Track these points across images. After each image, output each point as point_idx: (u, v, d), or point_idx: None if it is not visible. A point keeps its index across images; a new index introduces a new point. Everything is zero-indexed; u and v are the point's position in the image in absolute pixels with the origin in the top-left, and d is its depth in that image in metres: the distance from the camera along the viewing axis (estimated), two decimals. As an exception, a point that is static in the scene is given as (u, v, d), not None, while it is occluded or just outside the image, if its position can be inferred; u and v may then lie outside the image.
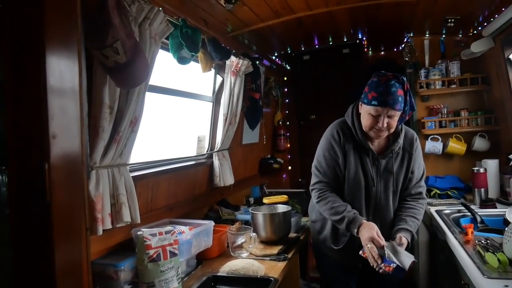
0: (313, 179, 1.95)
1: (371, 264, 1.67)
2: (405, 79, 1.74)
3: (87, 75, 1.27)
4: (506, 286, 1.28)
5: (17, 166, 0.70)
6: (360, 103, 1.82)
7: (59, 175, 0.74)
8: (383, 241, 1.66)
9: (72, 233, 0.82)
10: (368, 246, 1.66)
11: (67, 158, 0.78)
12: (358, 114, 1.85)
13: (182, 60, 2.10)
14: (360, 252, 1.72)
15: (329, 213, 1.83)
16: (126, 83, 1.53)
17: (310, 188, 1.96)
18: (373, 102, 1.70)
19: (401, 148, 1.87)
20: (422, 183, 1.95)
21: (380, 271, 1.63)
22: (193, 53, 2.09)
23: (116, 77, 1.48)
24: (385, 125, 1.71)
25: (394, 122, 1.74)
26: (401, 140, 1.86)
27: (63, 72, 0.76)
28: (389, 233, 1.79)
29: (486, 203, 2.44)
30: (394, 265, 1.58)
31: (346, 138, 1.86)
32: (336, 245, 1.91)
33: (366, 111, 1.75)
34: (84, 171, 0.84)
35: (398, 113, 1.72)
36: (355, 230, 1.73)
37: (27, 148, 0.70)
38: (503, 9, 2.30)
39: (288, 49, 3.70)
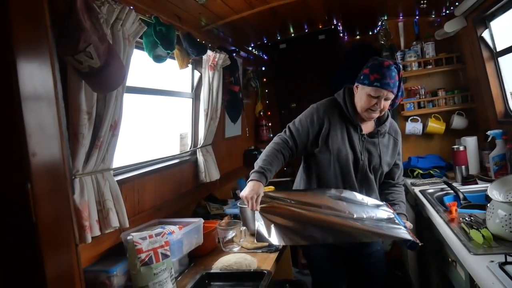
0: (283, 132, 1.99)
1: None
2: (400, 66, 1.84)
3: (62, 83, 1.23)
4: (492, 261, 1.31)
5: (-2, 188, 0.68)
6: (356, 84, 1.88)
7: (43, 193, 0.72)
8: (255, 207, 1.72)
9: (61, 246, 0.81)
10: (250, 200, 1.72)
11: (50, 174, 0.75)
12: (350, 95, 1.92)
13: (158, 59, 2.07)
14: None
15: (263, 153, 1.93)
16: (103, 88, 1.50)
17: (278, 136, 2.00)
18: (375, 84, 1.77)
19: (386, 132, 1.96)
20: None
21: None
22: (169, 51, 2.06)
23: (92, 82, 1.44)
24: (382, 106, 1.81)
25: (387, 105, 1.85)
26: (388, 124, 1.96)
27: (36, 85, 0.73)
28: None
29: (468, 179, 2.50)
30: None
31: (332, 113, 1.92)
32: None
33: (365, 92, 1.81)
34: (68, 184, 0.82)
35: (392, 97, 1.82)
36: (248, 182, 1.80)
37: (7, 168, 0.67)
38: (474, -12, 2.33)
39: (264, 39, 3.68)
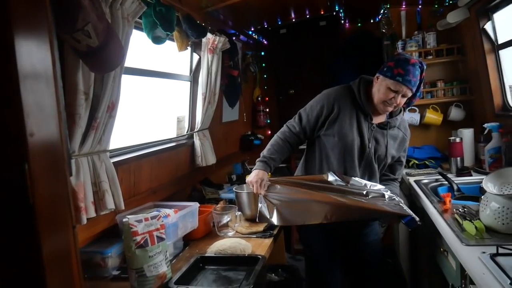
0: (292, 119, 2.05)
1: None
2: (425, 66, 1.86)
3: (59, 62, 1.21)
4: (484, 252, 1.33)
5: (-5, 168, 0.67)
6: (377, 75, 1.88)
7: (40, 174, 0.71)
8: (259, 191, 1.91)
9: (58, 227, 0.80)
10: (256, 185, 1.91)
11: (47, 154, 0.74)
12: (365, 85, 1.94)
13: (157, 40, 2.03)
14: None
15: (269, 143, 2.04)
16: (101, 68, 1.48)
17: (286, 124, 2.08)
18: (397, 78, 1.78)
19: (396, 126, 1.98)
20: None
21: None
22: (168, 32, 2.03)
23: (90, 61, 1.42)
24: (398, 102, 1.83)
25: (403, 102, 1.87)
26: (399, 118, 1.98)
27: (35, 63, 0.71)
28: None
29: (462, 171, 2.52)
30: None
31: (344, 99, 1.94)
32: None
33: (385, 85, 1.82)
34: (66, 165, 0.82)
35: (410, 95, 1.84)
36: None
37: (4, 148, 0.66)
38: (478, -22, 2.30)
39: (265, 23, 3.63)
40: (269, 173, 2.00)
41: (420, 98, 3.05)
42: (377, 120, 1.95)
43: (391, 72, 1.80)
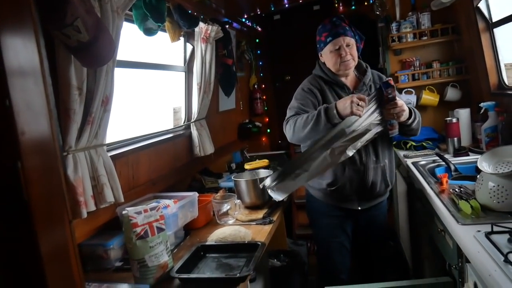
0: (288, 116, 1.99)
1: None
2: (342, 16, 1.97)
3: (50, 58, 1.21)
4: (479, 231, 1.35)
5: (-12, 167, 0.68)
6: (319, 54, 2.01)
7: (34, 171, 0.72)
8: (365, 100, 1.72)
9: (54, 222, 0.82)
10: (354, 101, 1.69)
11: (40, 152, 0.75)
12: (325, 63, 2.02)
13: (148, 32, 2.03)
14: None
15: (303, 122, 1.83)
16: (93, 62, 1.48)
17: (284, 123, 1.99)
18: (328, 39, 1.90)
19: (372, 81, 2.03)
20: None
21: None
22: (159, 23, 2.02)
23: (81, 57, 1.42)
24: (348, 52, 1.88)
25: (354, 51, 1.93)
26: (369, 74, 2.03)
27: (22, 62, 0.72)
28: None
29: (459, 151, 2.53)
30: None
31: (318, 84, 2.02)
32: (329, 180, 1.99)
33: (327, 52, 1.93)
34: (59, 161, 0.83)
35: (353, 41, 1.91)
36: (334, 112, 1.74)
37: (-4, 148, 0.67)
38: (471, -44, 2.28)
39: (258, 10, 3.60)
40: (265, 161, 2.01)
41: (416, 80, 3.08)
42: (352, 84, 2.01)
43: (322, 42, 1.92)
